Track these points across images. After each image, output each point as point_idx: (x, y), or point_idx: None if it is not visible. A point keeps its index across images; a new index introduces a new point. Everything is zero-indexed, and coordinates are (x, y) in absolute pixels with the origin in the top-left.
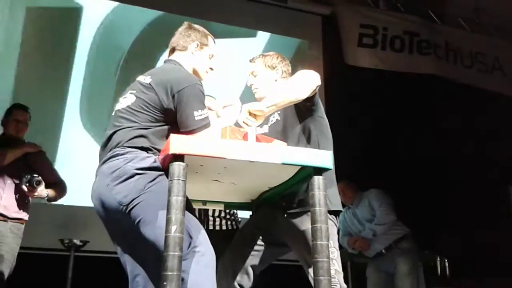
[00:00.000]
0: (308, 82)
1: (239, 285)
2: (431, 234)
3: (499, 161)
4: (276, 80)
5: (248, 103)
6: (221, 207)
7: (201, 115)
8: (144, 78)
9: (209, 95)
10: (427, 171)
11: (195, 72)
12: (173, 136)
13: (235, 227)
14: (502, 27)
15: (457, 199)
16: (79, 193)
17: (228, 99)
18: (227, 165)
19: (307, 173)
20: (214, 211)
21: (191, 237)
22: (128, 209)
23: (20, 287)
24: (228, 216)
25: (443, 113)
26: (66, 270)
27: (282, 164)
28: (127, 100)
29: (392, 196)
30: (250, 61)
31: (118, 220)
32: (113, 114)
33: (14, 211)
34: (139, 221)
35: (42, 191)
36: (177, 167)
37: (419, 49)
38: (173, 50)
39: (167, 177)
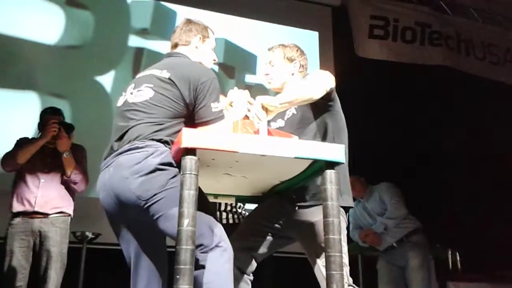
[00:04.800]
0: (323, 83)
1: (241, 271)
2: (442, 228)
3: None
4: (293, 74)
5: (262, 96)
6: (232, 200)
7: (217, 107)
8: (161, 72)
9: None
10: (439, 164)
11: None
12: (185, 129)
13: (241, 221)
14: None
15: (469, 193)
16: (92, 185)
17: (233, 95)
18: (238, 159)
19: (319, 166)
20: (220, 205)
21: (216, 234)
22: (148, 204)
23: (32, 280)
24: (234, 210)
25: (456, 105)
26: (78, 263)
27: (295, 158)
28: (143, 93)
29: (403, 189)
30: (269, 49)
31: (132, 213)
32: (121, 105)
33: (52, 206)
34: (159, 216)
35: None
36: (189, 161)
37: (431, 40)
38: (175, 46)
39: None
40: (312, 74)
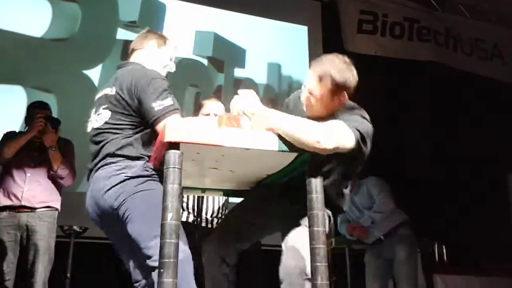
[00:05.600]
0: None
1: (225, 262)
2: (429, 221)
3: (498, 149)
4: (335, 106)
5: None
6: (219, 194)
7: (161, 104)
8: (110, 90)
9: (214, 98)
10: (425, 158)
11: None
12: (168, 124)
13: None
14: (502, 14)
15: (455, 186)
16: (79, 180)
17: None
18: (224, 153)
19: (304, 159)
20: (206, 209)
21: None
22: (118, 210)
23: (20, 274)
24: (220, 216)
25: (444, 100)
26: (66, 257)
27: (279, 151)
28: (102, 116)
29: (390, 183)
30: (313, 66)
31: (112, 223)
32: (90, 130)
33: (39, 201)
34: (126, 219)
35: (52, 138)
36: (172, 155)
37: (419, 35)
38: (132, 51)
39: (158, 181)
40: (332, 130)
